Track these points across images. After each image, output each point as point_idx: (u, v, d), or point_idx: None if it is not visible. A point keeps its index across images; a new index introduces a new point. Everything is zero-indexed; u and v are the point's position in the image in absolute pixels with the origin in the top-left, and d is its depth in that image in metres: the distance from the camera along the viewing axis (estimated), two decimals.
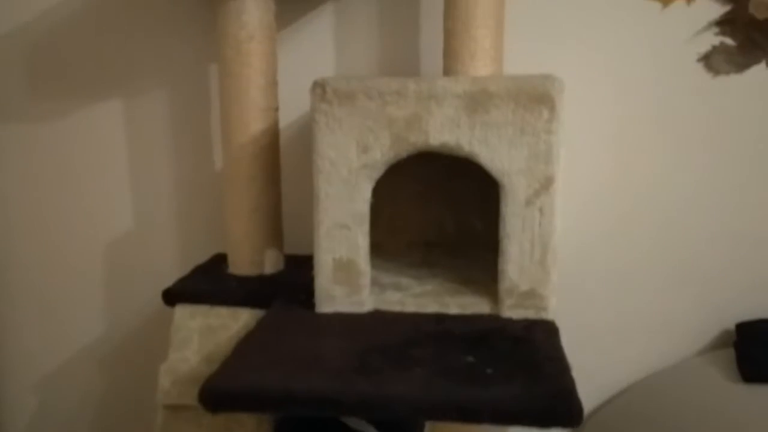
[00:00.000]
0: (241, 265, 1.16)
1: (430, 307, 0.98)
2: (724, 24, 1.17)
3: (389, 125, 0.92)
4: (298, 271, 1.10)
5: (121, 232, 1.36)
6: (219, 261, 1.21)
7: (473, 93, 0.91)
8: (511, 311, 0.96)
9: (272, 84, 1.13)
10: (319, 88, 0.93)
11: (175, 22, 1.27)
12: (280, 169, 1.17)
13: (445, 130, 0.92)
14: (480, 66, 1.05)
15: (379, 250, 1.05)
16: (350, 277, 0.97)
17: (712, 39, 1.18)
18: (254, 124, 1.11)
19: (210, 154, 1.30)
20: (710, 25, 1.18)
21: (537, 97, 0.90)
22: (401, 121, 0.92)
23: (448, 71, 1.07)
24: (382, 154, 0.93)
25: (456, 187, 1.17)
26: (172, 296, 1.09)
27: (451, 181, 1.16)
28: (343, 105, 0.92)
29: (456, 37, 1.05)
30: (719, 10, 1.17)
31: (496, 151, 0.91)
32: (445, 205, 1.20)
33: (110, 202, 1.35)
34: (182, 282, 1.14)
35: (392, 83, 0.92)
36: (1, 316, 1.43)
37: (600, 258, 1.26)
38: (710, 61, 1.19)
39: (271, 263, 1.16)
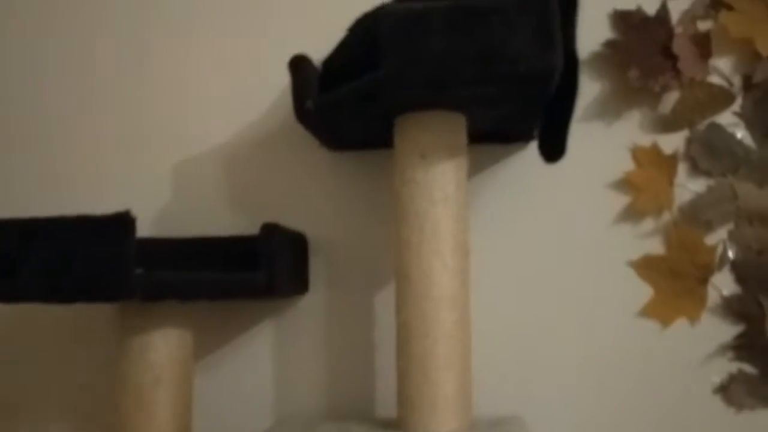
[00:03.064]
0: None
1: None
2: (740, 348, 0.97)
3: None
4: None
5: None
6: None
7: None
8: None
9: None
10: None
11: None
12: None
13: None
14: (443, 419, 0.82)
15: None
16: None
17: (728, 365, 0.98)
18: None
19: None
20: (723, 349, 0.98)
21: None
22: None
23: (402, 425, 0.84)
24: None
25: None
26: None
27: None
28: None
29: (411, 380, 0.84)
30: (730, 332, 0.98)
31: None
32: None
33: None
34: None
35: None
36: None
37: None
38: (729, 392, 0.97)
39: None
